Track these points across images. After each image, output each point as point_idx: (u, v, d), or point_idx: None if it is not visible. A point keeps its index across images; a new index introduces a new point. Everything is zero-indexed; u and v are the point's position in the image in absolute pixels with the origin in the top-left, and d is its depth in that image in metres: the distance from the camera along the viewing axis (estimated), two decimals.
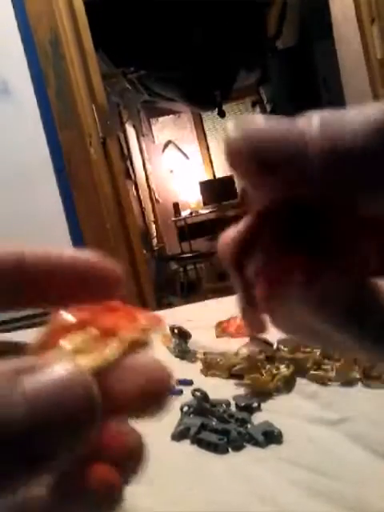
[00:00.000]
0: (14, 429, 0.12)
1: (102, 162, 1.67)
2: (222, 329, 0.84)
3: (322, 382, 0.60)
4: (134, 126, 5.26)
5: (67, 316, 0.17)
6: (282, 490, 0.44)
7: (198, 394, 0.60)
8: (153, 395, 0.17)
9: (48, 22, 1.56)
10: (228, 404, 0.59)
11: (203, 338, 0.81)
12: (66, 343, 0.16)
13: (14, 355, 0.15)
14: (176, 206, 5.60)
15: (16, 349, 0.18)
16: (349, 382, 0.59)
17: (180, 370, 0.72)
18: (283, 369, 0.62)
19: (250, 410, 0.57)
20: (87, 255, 0.20)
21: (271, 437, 0.51)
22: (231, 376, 0.67)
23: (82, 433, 0.14)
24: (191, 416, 0.56)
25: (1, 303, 0.19)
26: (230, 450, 0.51)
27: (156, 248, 5.27)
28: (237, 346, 0.71)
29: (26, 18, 1.56)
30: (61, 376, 0.14)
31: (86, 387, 0.14)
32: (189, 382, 0.68)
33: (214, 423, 0.54)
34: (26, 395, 0.13)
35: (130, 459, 0.17)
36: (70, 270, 0.19)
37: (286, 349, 0.66)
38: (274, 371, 0.62)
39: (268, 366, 0.63)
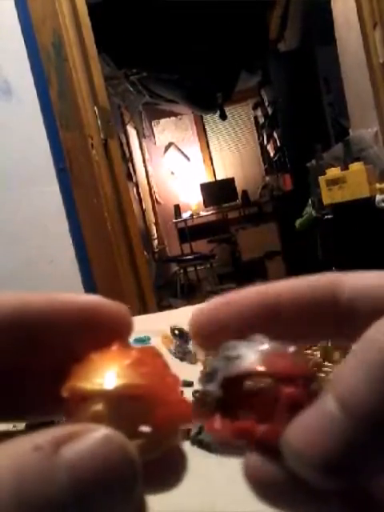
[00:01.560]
0: (56, 502, 0.12)
1: (103, 163, 1.68)
2: None
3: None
4: (135, 128, 5.28)
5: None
6: None
7: (198, 395, 0.60)
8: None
9: (51, 24, 1.57)
10: None
11: None
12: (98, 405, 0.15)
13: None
14: (177, 207, 5.61)
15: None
16: None
17: (180, 371, 0.72)
18: None
19: None
20: (91, 299, 0.18)
21: None
22: None
23: (125, 499, 0.13)
24: None
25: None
26: None
27: (156, 249, 5.28)
28: None
29: (30, 21, 1.57)
30: (99, 442, 0.13)
31: (124, 452, 0.14)
32: (189, 384, 0.68)
33: None
34: (68, 467, 0.12)
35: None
36: (74, 319, 0.18)
37: None
38: None
39: None
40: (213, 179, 6.18)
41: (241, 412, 0.16)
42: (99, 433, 0.13)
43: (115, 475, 0.13)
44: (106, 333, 0.18)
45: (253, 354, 0.16)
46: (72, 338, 0.18)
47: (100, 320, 0.18)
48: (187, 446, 0.53)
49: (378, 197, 1.62)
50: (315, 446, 0.14)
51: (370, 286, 0.17)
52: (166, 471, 0.18)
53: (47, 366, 0.18)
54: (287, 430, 0.15)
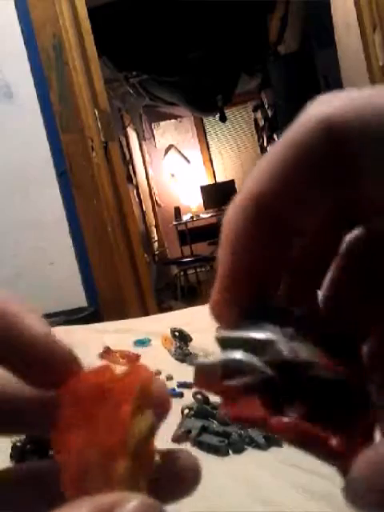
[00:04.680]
0: None
1: (103, 166, 1.68)
2: None
3: None
4: (135, 131, 5.28)
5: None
6: (283, 492, 0.44)
7: (198, 396, 0.60)
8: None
9: (51, 27, 1.57)
10: None
11: (204, 341, 0.81)
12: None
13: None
14: (177, 209, 5.61)
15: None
16: None
17: (181, 372, 0.73)
18: None
19: None
20: (44, 332, 0.18)
21: (272, 439, 0.51)
22: None
23: None
24: (192, 418, 0.57)
25: None
26: (230, 452, 0.51)
27: (157, 252, 5.28)
28: None
29: (30, 24, 1.57)
30: (140, 510, 0.14)
31: None
32: (190, 385, 0.68)
33: (214, 426, 0.54)
34: None
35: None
36: (27, 349, 0.17)
37: None
38: None
39: None
40: (213, 181, 6.18)
41: (297, 403, 0.15)
42: (137, 500, 0.14)
43: None
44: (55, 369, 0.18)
45: (284, 342, 0.16)
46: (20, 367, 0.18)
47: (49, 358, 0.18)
48: (188, 448, 0.53)
49: None
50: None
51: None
52: (183, 480, 0.19)
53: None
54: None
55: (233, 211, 0.16)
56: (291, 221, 0.16)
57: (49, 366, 0.18)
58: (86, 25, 1.66)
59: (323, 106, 0.14)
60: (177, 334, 0.81)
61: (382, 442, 0.15)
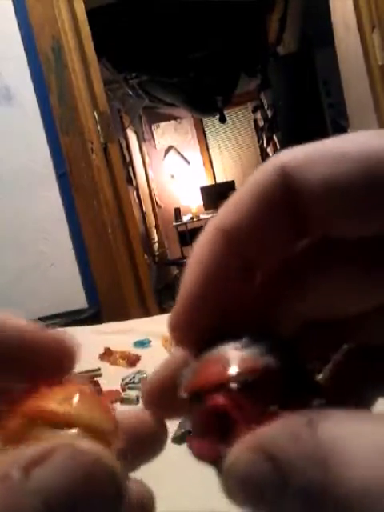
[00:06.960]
0: None
1: (103, 168, 1.68)
2: None
3: None
4: (135, 132, 5.29)
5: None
6: None
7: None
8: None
9: (50, 29, 1.57)
10: None
11: None
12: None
13: None
14: (177, 210, 5.62)
15: None
16: None
17: None
18: None
19: None
20: (34, 327, 0.17)
21: None
22: None
23: None
24: None
25: None
26: None
27: (157, 253, 5.28)
28: None
29: (29, 27, 1.58)
30: (70, 459, 0.12)
31: (100, 464, 0.12)
32: None
33: None
34: (39, 492, 0.11)
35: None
36: (16, 342, 0.17)
37: None
38: None
39: None
40: (213, 182, 6.19)
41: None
42: (69, 449, 0.12)
43: (94, 491, 0.12)
44: (49, 363, 0.17)
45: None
46: (11, 364, 0.17)
47: (45, 351, 0.17)
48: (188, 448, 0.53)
49: None
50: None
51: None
52: (150, 442, 0.18)
53: None
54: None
55: (201, 238, 0.17)
56: (252, 255, 0.17)
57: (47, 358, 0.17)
58: (85, 27, 1.66)
59: (283, 156, 0.16)
60: None
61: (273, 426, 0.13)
